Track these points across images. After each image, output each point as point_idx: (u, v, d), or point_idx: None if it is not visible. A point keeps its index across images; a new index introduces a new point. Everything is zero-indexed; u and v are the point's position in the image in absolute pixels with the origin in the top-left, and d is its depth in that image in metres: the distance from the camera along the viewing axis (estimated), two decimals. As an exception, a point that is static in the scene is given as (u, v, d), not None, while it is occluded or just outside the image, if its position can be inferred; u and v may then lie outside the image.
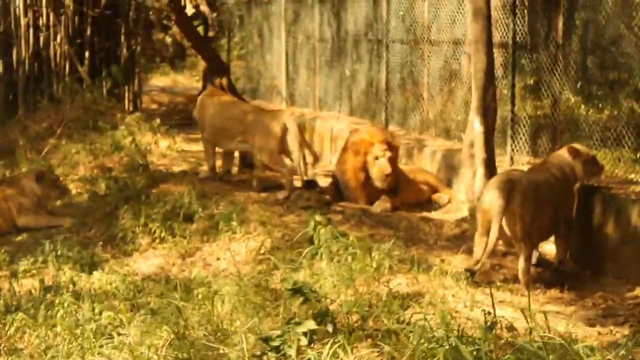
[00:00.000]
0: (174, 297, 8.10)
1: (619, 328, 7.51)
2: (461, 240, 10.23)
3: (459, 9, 13.09)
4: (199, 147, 16.76)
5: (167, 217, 10.35)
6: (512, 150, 11.57)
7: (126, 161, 15.03)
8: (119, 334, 7.43)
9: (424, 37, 14.10)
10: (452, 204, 11.97)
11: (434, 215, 11.49)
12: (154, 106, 23.55)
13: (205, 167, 13.54)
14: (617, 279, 9.11)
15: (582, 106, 11.83)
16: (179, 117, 20.09)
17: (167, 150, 16.00)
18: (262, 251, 9.56)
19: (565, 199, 9.38)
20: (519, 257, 8.83)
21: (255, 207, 10.64)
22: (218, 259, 9.70)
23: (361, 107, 15.99)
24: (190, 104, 13.14)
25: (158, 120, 16.80)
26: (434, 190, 12.15)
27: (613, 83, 12.31)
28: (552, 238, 9.60)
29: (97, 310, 7.85)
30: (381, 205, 11.43)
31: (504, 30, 11.67)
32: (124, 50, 20.22)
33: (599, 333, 7.34)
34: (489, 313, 6.30)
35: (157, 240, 10.15)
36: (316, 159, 13.57)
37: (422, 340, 6.05)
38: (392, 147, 11.54)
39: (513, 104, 11.49)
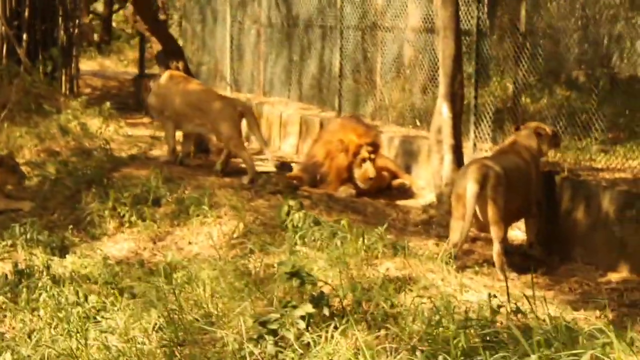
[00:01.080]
0: (156, 280, 8.06)
1: (601, 312, 7.62)
2: (428, 225, 10.32)
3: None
4: (141, 131, 16.72)
5: (136, 201, 10.24)
6: (475, 136, 11.68)
7: (73, 145, 14.87)
8: (105, 318, 7.39)
9: (377, 24, 14.16)
10: (412, 189, 12.05)
11: (398, 201, 11.56)
12: (87, 90, 23.32)
13: (158, 152, 13.45)
14: (587, 264, 9.26)
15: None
16: (113, 101, 19.84)
17: (114, 134, 15.83)
18: (235, 235, 9.52)
19: (535, 180, 9.53)
20: (493, 240, 8.93)
21: (223, 192, 10.61)
22: (190, 243, 9.66)
23: (312, 93, 15.98)
24: (145, 90, 13.02)
25: (108, 104, 16.66)
26: (394, 176, 12.22)
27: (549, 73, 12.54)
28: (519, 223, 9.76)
29: (81, 294, 7.76)
30: (346, 190, 11.50)
31: (467, 17, 11.74)
32: (62, 32, 19.97)
33: (586, 317, 7.45)
34: (494, 296, 6.38)
35: (127, 224, 10.05)
36: (264, 144, 13.55)
37: (427, 323, 6.11)
38: (377, 148, 11.64)
39: (476, 92, 11.60)
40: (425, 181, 12.03)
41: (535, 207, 9.52)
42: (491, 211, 8.90)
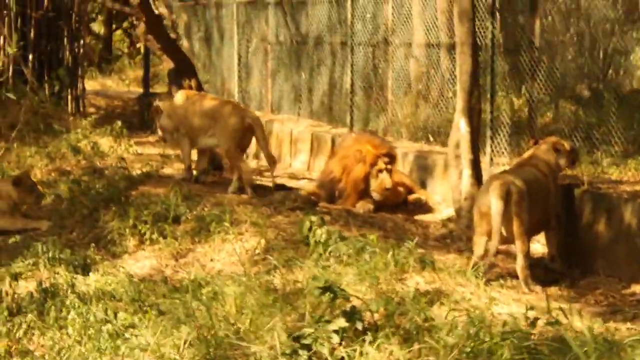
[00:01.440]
0: (182, 297, 8.06)
1: (631, 324, 7.63)
2: (448, 239, 10.33)
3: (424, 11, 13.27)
4: (150, 150, 16.73)
5: (156, 218, 10.24)
6: (492, 151, 11.71)
7: (84, 164, 14.88)
8: (134, 335, 7.39)
9: (388, 39, 14.21)
10: (428, 204, 12.08)
11: (416, 216, 11.58)
12: (92, 110, 23.30)
13: (170, 170, 13.48)
14: (609, 277, 9.27)
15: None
16: (119, 120, 19.84)
17: (125, 153, 15.84)
18: (257, 251, 9.52)
19: (554, 193, 9.56)
20: (517, 254, 8.94)
21: (242, 208, 10.61)
22: (212, 260, 9.64)
23: (323, 110, 16.01)
24: (157, 113, 13.03)
25: (120, 123, 16.68)
26: (410, 191, 12.25)
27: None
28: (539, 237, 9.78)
29: (109, 312, 7.76)
30: (364, 206, 11.53)
31: (482, 32, 11.79)
32: (67, 52, 20.01)
33: (616, 329, 7.45)
34: (531, 308, 6.39)
35: (148, 242, 10.05)
36: (274, 161, 13.57)
37: (467, 336, 6.11)
38: (393, 160, 11.68)
39: (492, 106, 11.63)
40: (441, 196, 12.07)
41: (554, 221, 9.54)
42: (515, 226, 8.92)
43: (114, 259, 9.94)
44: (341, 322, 6.71)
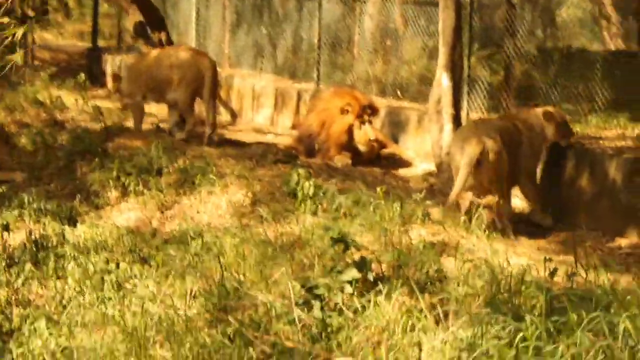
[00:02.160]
0: (178, 248, 8.06)
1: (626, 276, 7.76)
2: (430, 193, 10.40)
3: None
4: (106, 104, 16.53)
5: (140, 170, 10.17)
6: (469, 106, 11.80)
7: (44, 117, 14.70)
8: (135, 286, 7.37)
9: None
10: (402, 159, 12.17)
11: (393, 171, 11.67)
12: (37, 62, 22.95)
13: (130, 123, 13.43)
14: (592, 230, 9.41)
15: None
16: (67, 74, 19.59)
17: (84, 107, 15.64)
18: (244, 204, 9.51)
19: (527, 153, 9.67)
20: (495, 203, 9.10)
21: (224, 161, 10.58)
22: (198, 212, 9.62)
23: (287, 65, 15.95)
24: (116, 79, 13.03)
25: (83, 75, 16.46)
26: (382, 146, 12.29)
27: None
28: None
29: (111, 262, 7.72)
30: (342, 160, 11.57)
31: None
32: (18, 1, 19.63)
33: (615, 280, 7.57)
34: (550, 259, 6.49)
35: (132, 194, 9.97)
36: (234, 115, 13.54)
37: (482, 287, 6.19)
38: (375, 112, 11.72)
39: (469, 63, 11.69)
40: (414, 151, 12.15)
41: (524, 178, 9.67)
42: (487, 179, 9.11)
43: (97, 210, 9.86)
44: (354, 273, 6.74)
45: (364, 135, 11.63)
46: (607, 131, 10.61)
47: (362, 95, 12.08)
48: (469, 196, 9.10)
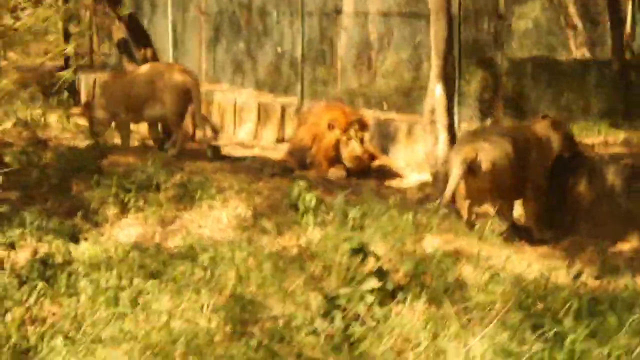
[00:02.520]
0: (188, 263, 8.06)
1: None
2: (427, 203, 10.46)
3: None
4: (85, 122, 16.45)
5: (140, 186, 10.15)
6: (460, 118, 11.90)
7: (25, 135, 14.61)
8: (150, 301, 7.35)
9: (339, 9, 14.27)
10: (392, 171, 12.24)
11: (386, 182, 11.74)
12: (5, 82, 22.75)
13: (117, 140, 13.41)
14: (592, 237, 9.52)
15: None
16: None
17: (65, 124, 15.59)
18: (245, 217, 9.54)
19: (534, 165, 9.75)
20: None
21: (220, 175, 10.60)
22: (200, 227, 9.61)
23: (270, 79, 15.97)
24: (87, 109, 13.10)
25: (67, 94, 16.40)
26: (373, 158, 12.36)
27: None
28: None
29: (124, 278, 7.70)
30: (336, 173, 11.65)
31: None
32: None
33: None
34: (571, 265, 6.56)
35: (132, 210, 9.95)
36: (216, 131, 13.59)
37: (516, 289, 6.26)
38: (364, 127, 11.77)
39: (460, 73, 11.79)
40: (404, 162, 12.23)
41: (531, 191, 9.76)
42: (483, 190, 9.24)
43: (96, 227, 9.82)
44: (373, 282, 6.79)
45: (350, 151, 11.69)
46: (591, 139, 10.73)
47: (352, 111, 12.13)
48: (467, 204, 9.19)
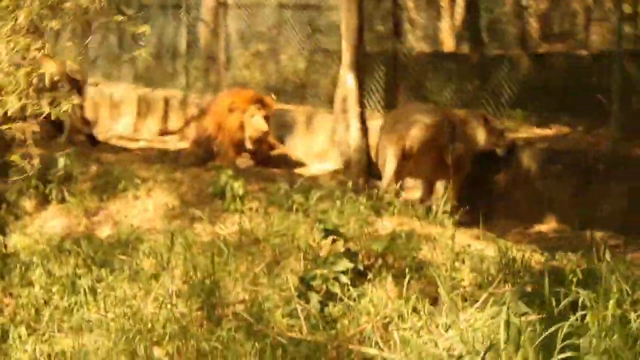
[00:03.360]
0: (128, 252, 8.01)
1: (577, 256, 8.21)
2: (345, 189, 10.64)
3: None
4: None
5: (60, 178, 9.95)
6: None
7: None
8: (112, 289, 7.29)
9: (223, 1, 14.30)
10: (293, 160, 12.38)
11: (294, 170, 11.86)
12: None
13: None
14: (508, 219, 9.87)
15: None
16: None
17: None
18: (172, 207, 9.50)
19: (455, 150, 10.06)
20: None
21: (137, 166, 10.50)
22: (126, 217, 9.50)
23: (150, 72, 15.81)
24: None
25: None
26: (272, 147, 12.45)
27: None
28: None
29: (80, 268, 7.61)
30: (245, 162, 11.66)
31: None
32: None
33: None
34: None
35: (54, 202, 9.75)
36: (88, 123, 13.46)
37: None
38: (265, 106, 11.76)
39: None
40: (303, 152, 12.38)
41: (453, 173, 10.07)
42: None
43: (17, 220, 9.60)
44: (346, 263, 6.90)
45: (255, 127, 11.62)
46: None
47: (251, 92, 12.13)
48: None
